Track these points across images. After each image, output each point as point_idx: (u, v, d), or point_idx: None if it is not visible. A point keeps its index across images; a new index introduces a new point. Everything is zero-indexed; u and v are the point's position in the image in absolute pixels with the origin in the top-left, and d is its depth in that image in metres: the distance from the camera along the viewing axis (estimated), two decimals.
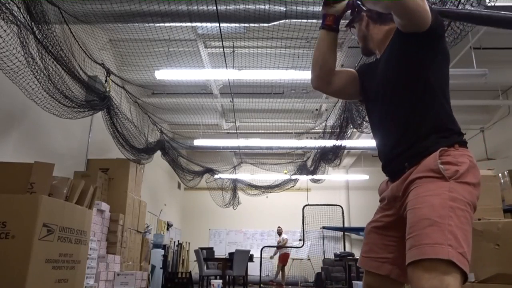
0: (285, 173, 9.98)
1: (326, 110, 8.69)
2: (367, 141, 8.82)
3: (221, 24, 4.49)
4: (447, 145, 1.23)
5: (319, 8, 4.33)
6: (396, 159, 1.33)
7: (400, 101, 1.33)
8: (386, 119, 1.39)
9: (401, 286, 1.39)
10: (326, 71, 1.51)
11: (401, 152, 1.31)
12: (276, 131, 9.73)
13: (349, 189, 12.92)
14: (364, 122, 5.78)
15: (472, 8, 3.32)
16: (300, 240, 10.30)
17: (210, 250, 8.14)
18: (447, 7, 3.30)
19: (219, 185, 10.41)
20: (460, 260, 1.05)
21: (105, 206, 5.17)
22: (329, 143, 7.48)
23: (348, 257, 6.32)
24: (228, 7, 4.34)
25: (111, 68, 5.32)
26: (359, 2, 1.36)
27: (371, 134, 1.53)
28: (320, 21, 1.51)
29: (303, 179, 10.37)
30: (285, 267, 9.73)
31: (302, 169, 9.67)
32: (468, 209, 1.15)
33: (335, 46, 1.50)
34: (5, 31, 3.09)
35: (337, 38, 1.50)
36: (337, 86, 1.55)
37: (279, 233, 10.06)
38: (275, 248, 9.77)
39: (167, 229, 10.62)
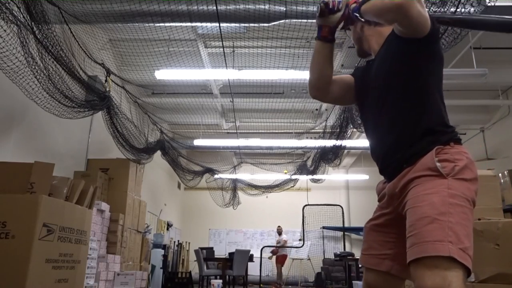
0: (285, 173, 9.97)
1: (326, 110, 8.69)
2: (367, 141, 8.78)
3: (221, 24, 4.49)
4: (442, 144, 1.24)
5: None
6: (394, 162, 1.33)
7: (395, 104, 1.34)
8: (382, 122, 1.39)
9: (402, 282, 1.40)
10: (323, 82, 1.54)
11: (399, 155, 1.31)
12: (276, 131, 9.73)
13: (349, 189, 12.92)
14: None
15: (472, 8, 3.32)
16: (300, 240, 10.29)
17: (210, 250, 8.14)
18: (447, 7, 3.31)
19: (219, 185, 10.41)
20: (462, 256, 1.06)
21: (105, 206, 5.17)
22: (329, 143, 7.48)
23: (348, 257, 6.32)
24: (228, 7, 4.34)
25: (111, 68, 5.32)
26: (356, 15, 1.36)
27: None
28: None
29: (303, 179, 10.37)
30: (282, 267, 9.69)
31: (302, 169, 9.67)
32: (467, 205, 1.16)
33: (331, 56, 1.52)
34: (5, 31, 3.09)
35: (333, 49, 1.52)
36: (335, 95, 1.58)
37: (279, 232, 9.83)
38: (274, 247, 9.66)
39: (167, 229, 10.62)
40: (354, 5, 1.38)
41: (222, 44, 5.21)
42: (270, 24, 4.57)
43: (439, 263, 1.06)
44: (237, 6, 4.32)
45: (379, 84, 1.39)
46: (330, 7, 1.40)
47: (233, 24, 4.88)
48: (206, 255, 7.58)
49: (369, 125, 1.48)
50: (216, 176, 9.99)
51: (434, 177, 1.19)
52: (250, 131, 9.63)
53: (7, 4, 3.01)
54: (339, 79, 1.58)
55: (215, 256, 8.46)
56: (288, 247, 9.56)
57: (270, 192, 10.50)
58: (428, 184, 1.19)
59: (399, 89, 1.33)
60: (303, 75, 5.82)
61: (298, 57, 6.39)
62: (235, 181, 10.49)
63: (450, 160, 1.20)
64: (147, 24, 4.71)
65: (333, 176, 11.54)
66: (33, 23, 3.28)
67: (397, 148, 1.32)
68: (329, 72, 1.53)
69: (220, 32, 4.81)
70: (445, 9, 3.34)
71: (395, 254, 1.35)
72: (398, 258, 1.34)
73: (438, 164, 1.19)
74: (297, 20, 4.59)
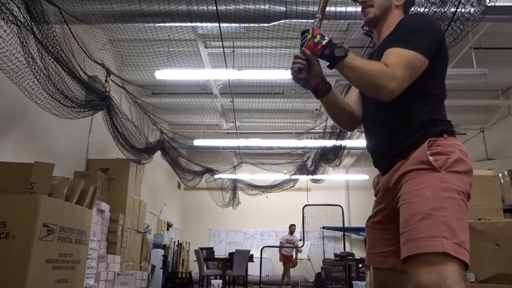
0: (285, 173, 9.97)
1: None
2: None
3: (221, 24, 4.49)
4: (435, 136, 1.23)
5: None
6: (387, 156, 1.33)
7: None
8: (379, 116, 1.38)
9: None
10: (350, 117, 1.54)
11: (393, 148, 1.31)
12: (276, 131, 9.73)
13: (349, 189, 12.91)
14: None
15: (472, 9, 3.32)
16: (300, 240, 10.28)
17: (210, 250, 8.15)
18: (447, 7, 3.31)
19: (219, 185, 10.41)
20: (457, 250, 1.05)
21: (105, 206, 5.17)
22: (329, 143, 7.48)
23: (348, 257, 6.31)
24: (228, 7, 4.34)
25: (111, 68, 5.32)
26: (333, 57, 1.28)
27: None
28: None
29: (303, 179, 10.36)
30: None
31: (302, 169, 9.67)
32: (462, 197, 1.14)
33: (337, 96, 1.50)
34: (5, 31, 3.09)
35: (333, 91, 1.48)
36: (360, 115, 1.56)
37: (292, 232, 9.58)
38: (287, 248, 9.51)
39: (167, 229, 10.62)
40: (320, 39, 1.30)
41: (222, 44, 5.21)
42: (270, 24, 4.57)
43: (434, 260, 1.05)
44: (237, 6, 4.32)
45: None
46: (307, 68, 1.33)
47: (233, 24, 4.87)
48: (206, 255, 7.58)
49: (368, 120, 1.47)
50: (216, 176, 9.98)
51: (426, 170, 1.18)
52: (250, 131, 9.63)
53: (7, 4, 3.01)
54: (355, 99, 1.57)
55: (215, 256, 8.46)
56: (288, 247, 9.53)
57: (270, 192, 10.50)
58: (421, 178, 1.17)
59: None
60: None
61: None
62: (235, 181, 10.49)
63: (442, 153, 1.19)
64: (147, 24, 4.71)
65: (333, 176, 11.53)
66: (33, 23, 3.28)
67: (391, 142, 1.31)
68: (348, 108, 1.52)
69: (220, 32, 4.81)
70: (445, 9, 3.34)
71: (397, 250, 1.32)
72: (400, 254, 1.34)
73: (430, 157, 1.18)
74: (297, 20, 4.58)
